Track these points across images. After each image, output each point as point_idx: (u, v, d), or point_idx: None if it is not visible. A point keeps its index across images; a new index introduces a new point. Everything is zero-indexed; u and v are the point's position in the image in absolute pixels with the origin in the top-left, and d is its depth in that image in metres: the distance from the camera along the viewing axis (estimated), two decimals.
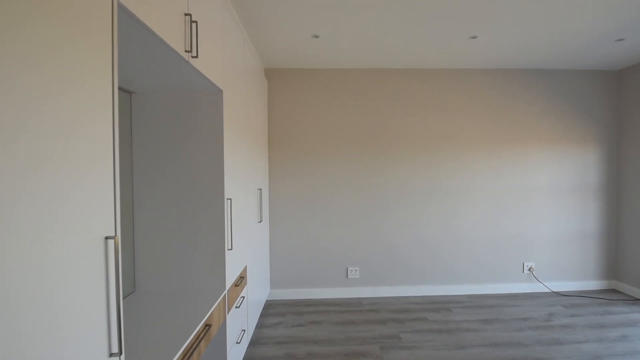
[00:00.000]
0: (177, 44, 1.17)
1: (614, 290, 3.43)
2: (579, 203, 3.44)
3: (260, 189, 2.71)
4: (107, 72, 0.79)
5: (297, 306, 3.10)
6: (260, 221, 2.69)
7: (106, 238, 0.77)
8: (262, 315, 2.91)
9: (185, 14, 1.23)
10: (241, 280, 2.00)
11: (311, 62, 3.12)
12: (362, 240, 3.33)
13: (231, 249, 1.75)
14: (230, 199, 1.75)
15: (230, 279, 1.78)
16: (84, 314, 0.71)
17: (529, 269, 3.43)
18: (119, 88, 1.59)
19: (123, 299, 1.58)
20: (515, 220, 3.41)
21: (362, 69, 3.30)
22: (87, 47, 0.73)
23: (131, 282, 1.69)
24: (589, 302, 3.14)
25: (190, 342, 1.22)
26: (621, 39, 2.60)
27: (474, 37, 2.54)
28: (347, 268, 3.32)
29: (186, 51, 1.23)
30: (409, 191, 3.34)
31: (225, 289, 1.70)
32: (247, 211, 2.24)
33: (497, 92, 3.36)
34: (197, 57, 1.26)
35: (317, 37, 2.50)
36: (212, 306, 1.49)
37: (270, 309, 3.05)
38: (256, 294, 2.55)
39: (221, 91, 1.68)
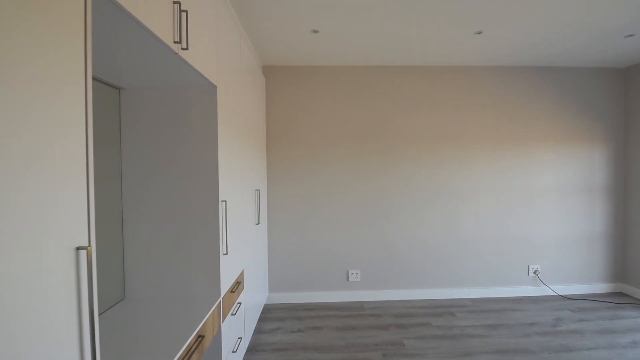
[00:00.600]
0: (165, 34, 1.08)
1: (621, 294, 3.34)
2: (586, 204, 3.35)
3: (257, 190, 2.62)
4: (78, 59, 0.70)
5: (296, 310, 3.01)
6: (258, 223, 2.60)
7: (77, 249, 0.68)
8: (261, 320, 2.82)
9: (174, 2, 1.14)
10: (238, 286, 1.91)
11: (310, 59, 3.02)
12: (363, 242, 3.24)
13: (226, 254, 1.65)
14: (226, 201, 1.66)
15: (225, 285, 1.69)
16: (51, 336, 0.62)
17: (535, 272, 3.34)
18: (106, 83, 1.50)
19: (110, 307, 1.49)
20: (520, 221, 3.32)
21: (362, 66, 3.21)
22: (55, 30, 0.64)
23: (120, 289, 1.59)
24: (596, 306, 3.05)
25: (180, 357, 1.13)
26: (631, 35, 2.51)
27: (479, 33, 2.45)
28: (347, 271, 3.23)
29: (175, 42, 1.14)
30: (411, 191, 3.25)
31: (220, 296, 1.60)
32: (244, 213, 2.15)
33: (501, 90, 3.28)
34: (187, 49, 1.17)
35: (316, 32, 2.41)
36: (206, 315, 1.39)
37: (268, 313, 2.96)
38: (254, 299, 2.46)
39: (215, 87, 1.59)
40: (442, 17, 2.22)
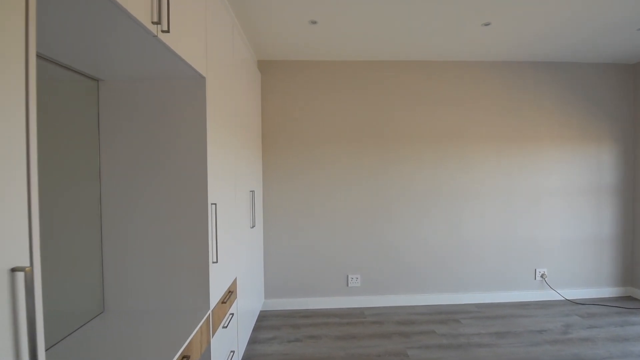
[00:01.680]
0: (141, 12, 0.93)
1: (630, 298, 3.22)
2: (593, 205, 3.23)
3: (252, 191, 2.47)
4: (16, 29, 0.55)
5: (293, 318, 2.86)
6: (253, 226, 2.45)
7: (12, 270, 0.53)
8: (255, 329, 2.67)
9: None
10: (230, 295, 1.76)
11: (308, 53, 2.88)
12: (363, 245, 3.10)
13: (217, 262, 1.51)
14: (216, 204, 1.51)
15: (215, 296, 1.54)
16: None
17: (541, 276, 3.21)
18: (82, 74, 1.34)
19: (86, 322, 1.34)
20: (526, 223, 3.19)
21: (362, 61, 3.07)
22: None
23: (99, 302, 1.44)
24: (606, 312, 2.93)
25: None
26: None
27: (487, 24, 2.32)
28: (347, 275, 3.09)
29: (154, 23, 0.99)
30: (412, 192, 3.11)
31: (209, 309, 1.46)
32: (237, 216, 2.00)
33: (507, 86, 3.15)
34: (168, 31, 1.03)
35: (314, 23, 2.27)
36: (192, 332, 1.25)
37: (264, 321, 2.81)
38: (248, 307, 2.31)
39: (204, 78, 1.44)
40: (449, 7, 2.08)
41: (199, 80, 1.45)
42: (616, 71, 3.21)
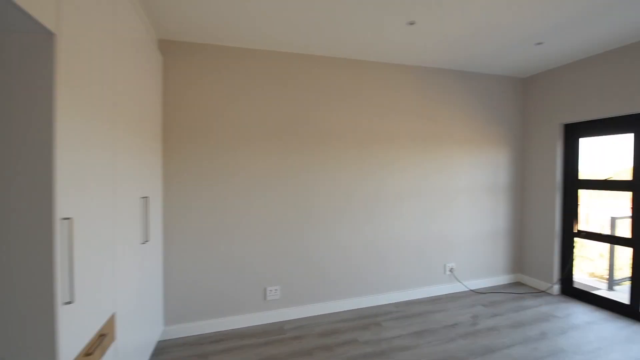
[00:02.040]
0: None
1: (519, 283, 3.64)
2: (492, 203, 3.56)
3: (146, 198, 1.98)
4: None
5: (201, 345, 2.42)
6: (146, 241, 1.96)
7: None
8: None
9: None
10: (101, 340, 1.29)
11: (219, 36, 2.47)
12: (282, 254, 2.82)
13: (71, 302, 1.05)
14: (71, 219, 1.06)
15: (70, 351, 1.08)
16: None
17: (450, 270, 3.40)
18: None
19: None
20: (439, 221, 3.34)
21: (285, 52, 2.79)
22: None
23: None
24: (503, 299, 3.23)
25: None
26: (540, 43, 2.65)
27: (412, 23, 2.27)
28: (265, 288, 2.77)
29: None
30: (332, 196, 2.96)
31: None
32: (116, 231, 1.52)
33: (424, 91, 3.23)
34: None
35: None
36: None
37: (162, 354, 2.31)
38: (135, 344, 1.82)
39: (52, 35, 0.98)
40: (377, 2, 1.95)
41: (45, 38, 0.98)
42: (512, 83, 3.59)
